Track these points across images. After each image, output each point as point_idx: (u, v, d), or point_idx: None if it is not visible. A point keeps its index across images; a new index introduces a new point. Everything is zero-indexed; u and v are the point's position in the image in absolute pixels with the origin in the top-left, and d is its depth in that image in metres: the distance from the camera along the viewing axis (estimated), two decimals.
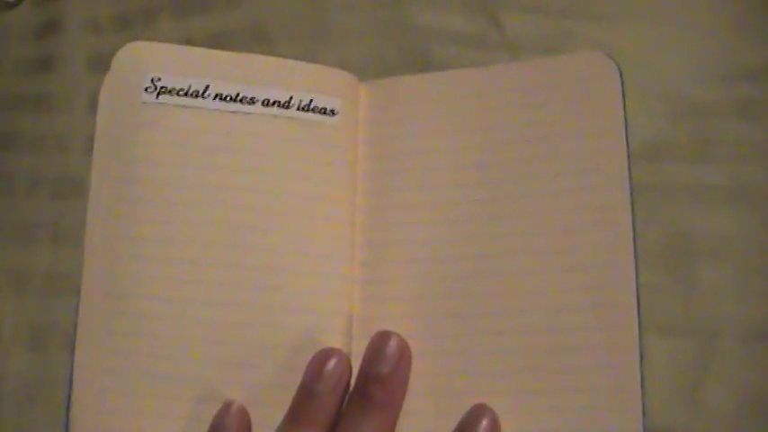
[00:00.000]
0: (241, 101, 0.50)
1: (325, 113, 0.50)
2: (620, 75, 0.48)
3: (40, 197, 0.51)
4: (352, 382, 0.46)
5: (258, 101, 0.50)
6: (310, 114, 0.50)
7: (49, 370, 0.49)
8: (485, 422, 0.44)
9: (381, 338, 0.46)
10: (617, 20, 0.51)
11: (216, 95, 0.50)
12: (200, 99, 0.50)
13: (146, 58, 0.51)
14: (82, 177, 0.50)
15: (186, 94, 0.50)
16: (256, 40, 0.54)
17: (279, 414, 0.46)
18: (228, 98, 0.50)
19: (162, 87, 0.50)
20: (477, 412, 0.44)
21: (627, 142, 0.47)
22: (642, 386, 0.44)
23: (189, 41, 0.53)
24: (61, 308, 0.49)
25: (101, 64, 0.52)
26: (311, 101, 0.50)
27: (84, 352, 0.48)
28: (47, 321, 0.49)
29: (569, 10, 0.52)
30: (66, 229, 0.50)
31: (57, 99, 0.53)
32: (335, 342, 0.47)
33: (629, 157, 0.47)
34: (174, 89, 0.50)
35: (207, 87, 0.50)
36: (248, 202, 0.49)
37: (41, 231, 0.51)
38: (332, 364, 0.45)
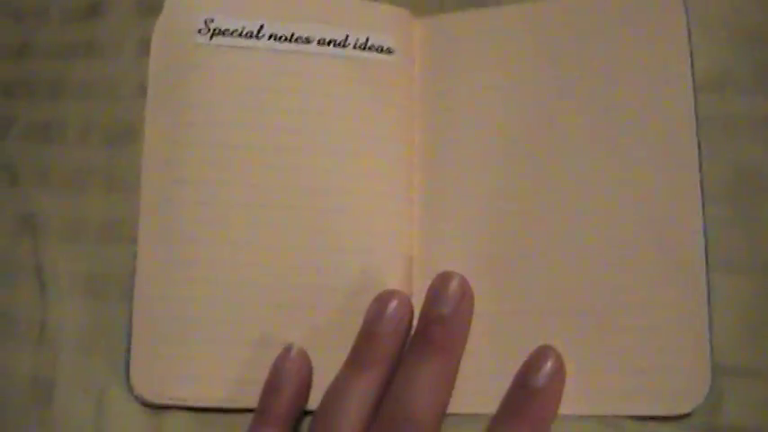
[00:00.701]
0: (296, 41, 0.49)
1: (381, 52, 0.49)
2: (685, 4, 0.47)
3: (92, 144, 0.51)
4: (414, 324, 0.46)
5: (314, 40, 0.49)
6: (367, 53, 0.49)
7: (106, 318, 0.49)
8: (550, 363, 0.44)
9: (443, 279, 0.45)
10: None
11: (270, 36, 0.49)
12: (254, 40, 0.49)
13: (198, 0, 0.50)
14: (134, 123, 0.50)
15: (240, 35, 0.49)
16: None
17: (340, 357, 0.46)
18: (283, 38, 0.49)
19: (215, 29, 0.49)
20: (541, 353, 0.44)
21: (692, 73, 0.46)
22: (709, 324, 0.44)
23: None
24: (117, 255, 0.49)
25: (150, 8, 0.51)
26: (367, 39, 0.49)
27: (143, 299, 0.48)
28: (103, 270, 0.49)
29: None
30: (119, 176, 0.50)
31: (106, 45, 0.52)
32: (396, 284, 0.47)
33: (694, 88, 0.46)
34: (228, 30, 0.49)
35: (261, 27, 0.49)
36: (304, 142, 0.49)
37: (95, 178, 0.50)
38: (393, 305, 0.45)
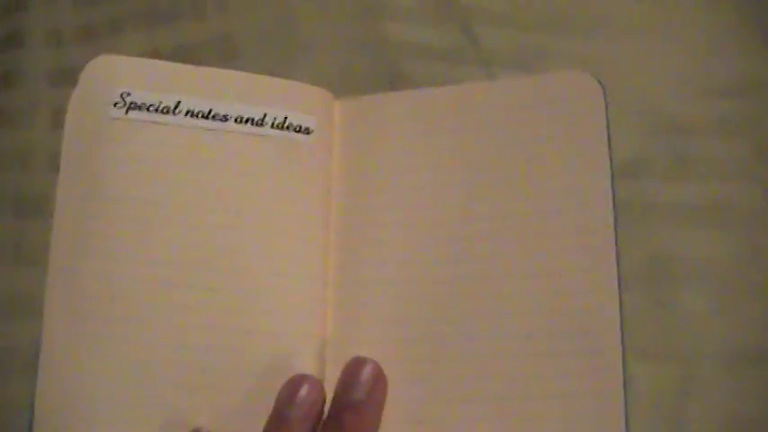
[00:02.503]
0: (213, 118, 0.48)
1: (299, 131, 0.49)
2: (604, 93, 0.47)
3: (0, 216, 0.49)
4: (326, 409, 0.45)
5: (231, 118, 0.49)
6: (285, 132, 0.49)
7: (9, 396, 0.47)
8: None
9: (356, 364, 0.45)
10: (593, 34, 0.50)
11: (187, 112, 0.48)
12: (170, 115, 0.48)
13: (115, 72, 0.49)
14: (44, 195, 0.49)
15: (157, 110, 0.48)
16: (223, 53, 0.53)
17: None
18: (200, 115, 0.48)
19: (132, 103, 0.48)
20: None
21: (611, 161, 0.47)
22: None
23: (154, 54, 0.51)
24: (22, 331, 0.48)
25: (64, 77, 0.51)
26: (286, 118, 0.49)
27: (47, 375, 0.46)
28: (7, 345, 0.48)
29: (545, 24, 0.51)
30: (27, 249, 0.49)
31: (18, 114, 0.51)
32: (308, 367, 0.46)
33: (612, 176, 0.46)
34: (144, 104, 0.48)
35: (178, 103, 0.48)
36: (219, 221, 0.48)
37: (2, 251, 0.49)
38: (305, 390, 0.44)
